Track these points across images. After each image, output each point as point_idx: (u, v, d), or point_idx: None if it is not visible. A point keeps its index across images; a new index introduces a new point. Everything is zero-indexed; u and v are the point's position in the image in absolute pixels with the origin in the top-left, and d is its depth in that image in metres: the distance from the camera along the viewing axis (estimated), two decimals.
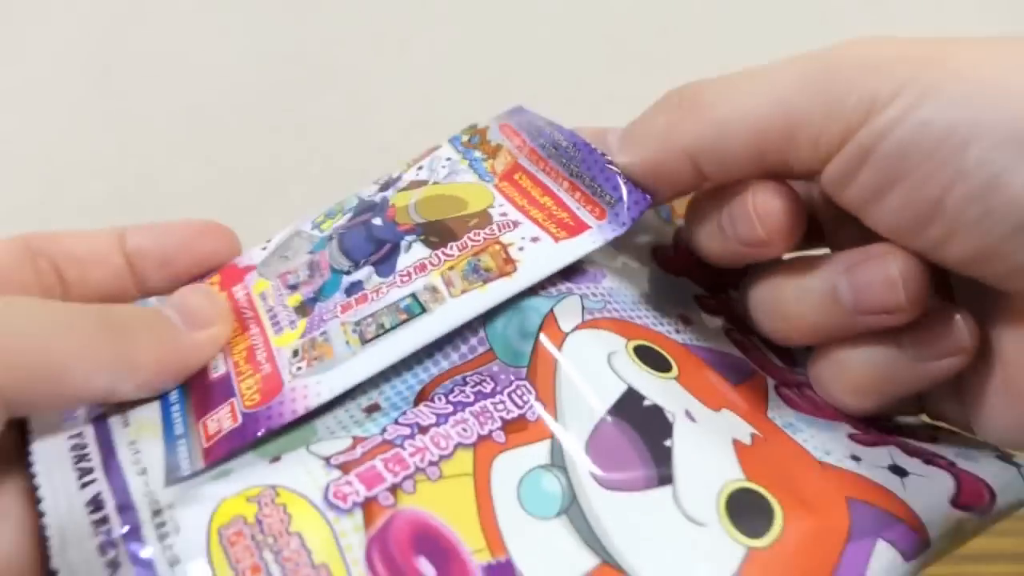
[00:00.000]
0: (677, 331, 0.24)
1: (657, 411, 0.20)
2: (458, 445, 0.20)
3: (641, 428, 0.20)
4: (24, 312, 0.20)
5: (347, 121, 0.50)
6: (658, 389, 0.21)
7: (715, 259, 0.23)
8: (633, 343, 0.22)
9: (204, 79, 0.49)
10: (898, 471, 0.22)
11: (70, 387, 0.20)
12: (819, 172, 0.20)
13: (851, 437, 0.23)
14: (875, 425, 0.24)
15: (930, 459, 0.23)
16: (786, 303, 0.22)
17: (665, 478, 0.19)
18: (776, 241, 0.21)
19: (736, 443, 0.20)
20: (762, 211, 0.21)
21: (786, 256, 0.23)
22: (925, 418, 0.25)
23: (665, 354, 0.22)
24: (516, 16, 0.49)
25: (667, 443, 0.20)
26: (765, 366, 0.25)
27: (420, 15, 0.49)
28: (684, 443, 0.20)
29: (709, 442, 0.20)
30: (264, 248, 0.26)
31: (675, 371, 0.22)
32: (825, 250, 0.25)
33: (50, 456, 0.20)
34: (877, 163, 0.19)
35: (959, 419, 0.23)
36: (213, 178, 0.49)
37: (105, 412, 0.22)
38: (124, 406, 0.22)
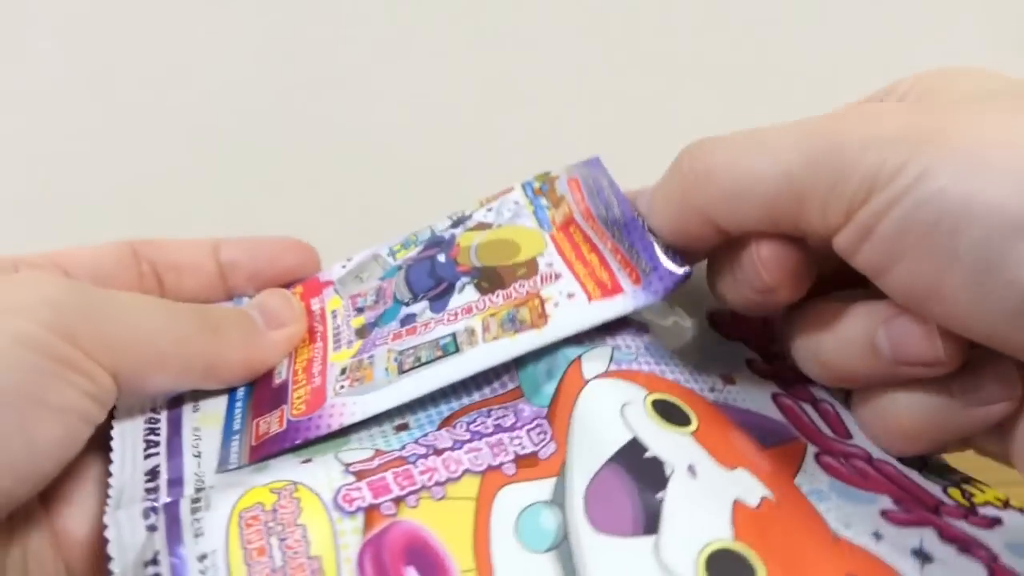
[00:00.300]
0: (712, 390, 0.24)
1: (656, 463, 0.21)
2: (467, 471, 0.21)
3: (637, 477, 0.21)
4: (138, 308, 0.23)
5: (347, 121, 0.51)
6: (665, 442, 0.22)
7: (735, 308, 0.24)
8: (653, 396, 0.23)
9: (204, 79, 0.51)
10: (922, 556, 0.21)
11: (169, 377, 0.23)
12: (830, 240, 0.21)
13: (884, 513, 0.22)
14: (922, 502, 0.23)
15: (969, 548, 0.22)
16: (826, 351, 0.23)
17: (651, 528, 0.20)
18: (782, 287, 0.22)
19: (737, 504, 0.21)
20: (766, 259, 0.22)
21: (827, 300, 0.23)
22: (997, 492, 0.24)
23: (687, 409, 0.23)
24: (516, 16, 0.49)
25: (659, 495, 0.20)
26: (810, 434, 0.25)
27: (420, 15, 0.50)
28: (677, 497, 0.20)
29: (704, 499, 0.21)
30: (344, 266, 0.29)
31: (694, 426, 0.22)
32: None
33: (127, 425, 0.23)
34: (877, 241, 0.19)
35: (1001, 454, 0.23)
36: (213, 178, 0.51)
37: (182, 395, 0.25)
38: (198, 393, 0.25)
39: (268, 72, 0.51)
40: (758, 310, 0.23)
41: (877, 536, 0.22)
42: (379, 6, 0.50)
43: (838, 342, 0.22)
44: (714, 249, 0.24)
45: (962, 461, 0.27)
